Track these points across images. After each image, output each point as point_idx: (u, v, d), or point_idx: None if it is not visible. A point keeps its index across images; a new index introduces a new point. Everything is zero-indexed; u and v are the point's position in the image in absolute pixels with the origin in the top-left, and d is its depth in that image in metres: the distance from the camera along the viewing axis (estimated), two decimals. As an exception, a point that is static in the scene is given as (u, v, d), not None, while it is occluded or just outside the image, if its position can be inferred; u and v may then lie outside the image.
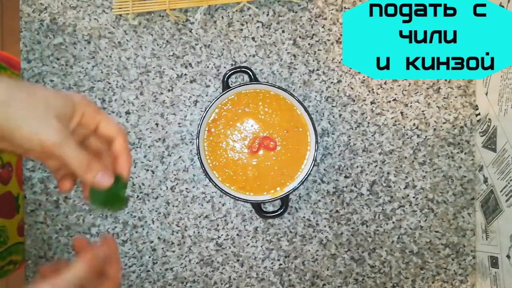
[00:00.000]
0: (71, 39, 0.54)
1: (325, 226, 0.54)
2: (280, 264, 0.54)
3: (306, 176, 0.49)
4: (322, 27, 0.54)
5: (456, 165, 0.54)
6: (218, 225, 0.54)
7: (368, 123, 0.54)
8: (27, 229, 0.54)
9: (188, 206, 0.54)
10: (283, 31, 0.54)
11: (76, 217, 0.54)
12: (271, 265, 0.54)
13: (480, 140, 0.53)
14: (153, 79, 0.54)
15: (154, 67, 0.54)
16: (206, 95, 0.54)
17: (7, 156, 0.66)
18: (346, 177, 0.54)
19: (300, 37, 0.54)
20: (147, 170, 0.54)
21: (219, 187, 0.49)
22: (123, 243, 0.54)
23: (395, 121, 0.54)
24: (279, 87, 0.49)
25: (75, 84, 0.54)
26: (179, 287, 0.54)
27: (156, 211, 0.54)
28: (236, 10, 0.54)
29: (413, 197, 0.54)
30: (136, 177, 0.54)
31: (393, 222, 0.54)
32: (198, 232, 0.54)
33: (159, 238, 0.54)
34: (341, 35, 0.54)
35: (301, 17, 0.54)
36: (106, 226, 0.54)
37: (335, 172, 0.54)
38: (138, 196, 0.54)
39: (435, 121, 0.54)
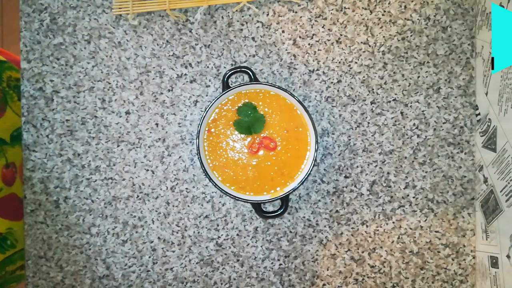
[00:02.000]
0: (71, 39, 0.54)
1: (325, 226, 0.54)
2: (280, 264, 0.54)
3: (306, 176, 0.49)
4: (322, 27, 0.54)
5: (456, 165, 0.54)
6: (218, 225, 0.54)
7: (368, 123, 0.54)
8: (27, 229, 0.54)
9: (188, 206, 0.54)
10: (283, 31, 0.54)
11: (76, 217, 0.54)
12: (271, 265, 0.54)
13: (480, 140, 0.53)
14: (153, 79, 0.54)
15: (154, 67, 0.54)
16: (206, 95, 0.54)
17: (12, 156, 0.64)
18: (346, 177, 0.54)
19: (300, 37, 0.54)
20: (147, 170, 0.54)
21: (219, 187, 0.49)
22: (123, 243, 0.54)
23: (395, 121, 0.54)
24: (279, 87, 0.49)
25: (75, 84, 0.54)
26: (179, 287, 0.54)
27: (156, 211, 0.54)
28: (236, 10, 0.54)
29: (413, 197, 0.54)
30: (136, 177, 0.54)
31: (393, 222, 0.54)
32: (198, 232, 0.54)
33: (159, 238, 0.54)
34: (341, 35, 0.54)
35: (301, 17, 0.54)
36: (106, 226, 0.54)
37: (335, 172, 0.54)
38: (138, 196, 0.54)
39: (435, 121, 0.54)
